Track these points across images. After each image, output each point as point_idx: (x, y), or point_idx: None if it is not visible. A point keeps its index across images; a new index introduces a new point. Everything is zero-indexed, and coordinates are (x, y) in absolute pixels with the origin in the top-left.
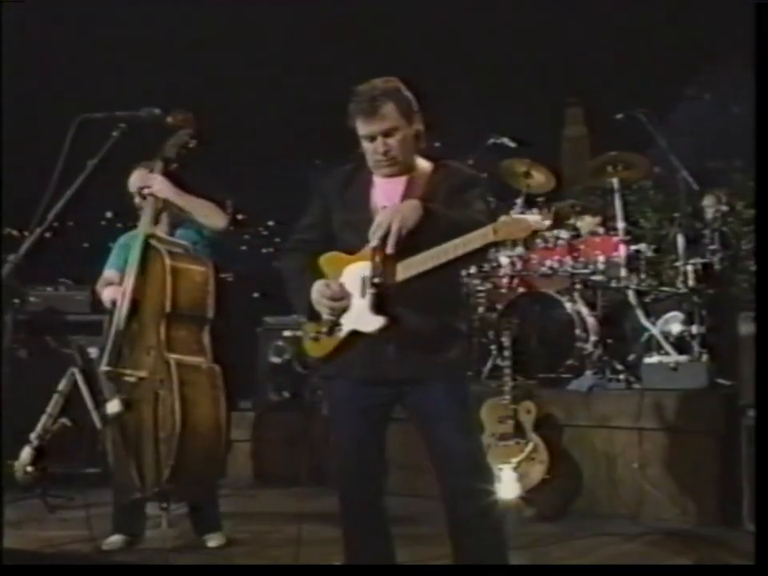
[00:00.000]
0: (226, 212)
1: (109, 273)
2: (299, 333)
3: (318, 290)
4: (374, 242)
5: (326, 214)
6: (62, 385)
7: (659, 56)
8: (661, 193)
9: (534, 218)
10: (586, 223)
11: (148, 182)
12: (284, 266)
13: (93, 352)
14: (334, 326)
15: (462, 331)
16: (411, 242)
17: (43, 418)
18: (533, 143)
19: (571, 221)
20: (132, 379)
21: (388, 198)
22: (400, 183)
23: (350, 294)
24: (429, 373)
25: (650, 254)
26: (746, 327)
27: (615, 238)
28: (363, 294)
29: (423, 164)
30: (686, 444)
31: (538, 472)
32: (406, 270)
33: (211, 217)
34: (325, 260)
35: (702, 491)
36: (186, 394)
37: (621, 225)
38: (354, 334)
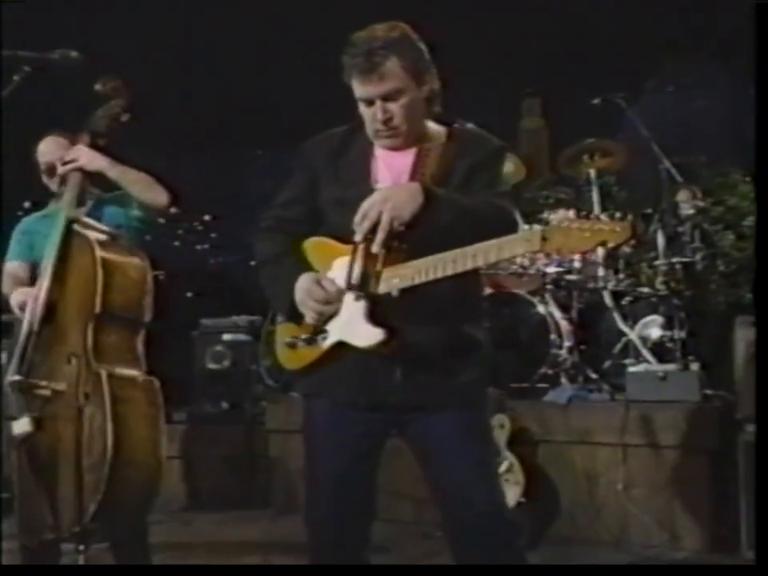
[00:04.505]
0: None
1: (13, 266)
2: (241, 336)
3: (306, 287)
4: (357, 235)
5: (311, 187)
6: None
7: (621, 47)
8: (624, 189)
9: (603, 226)
10: (559, 217)
11: (72, 155)
12: (258, 249)
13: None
14: (317, 333)
15: (482, 342)
16: (410, 238)
17: None
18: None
19: (544, 214)
20: (46, 392)
21: (393, 176)
22: (408, 156)
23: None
24: (438, 398)
25: (628, 251)
26: (743, 333)
27: None
28: (358, 297)
29: (436, 130)
30: (676, 462)
31: (513, 495)
32: (391, 280)
33: (151, 191)
34: (311, 246)
35: (694, 514)
36: (119, 413)
37: None
38: (342, 345)
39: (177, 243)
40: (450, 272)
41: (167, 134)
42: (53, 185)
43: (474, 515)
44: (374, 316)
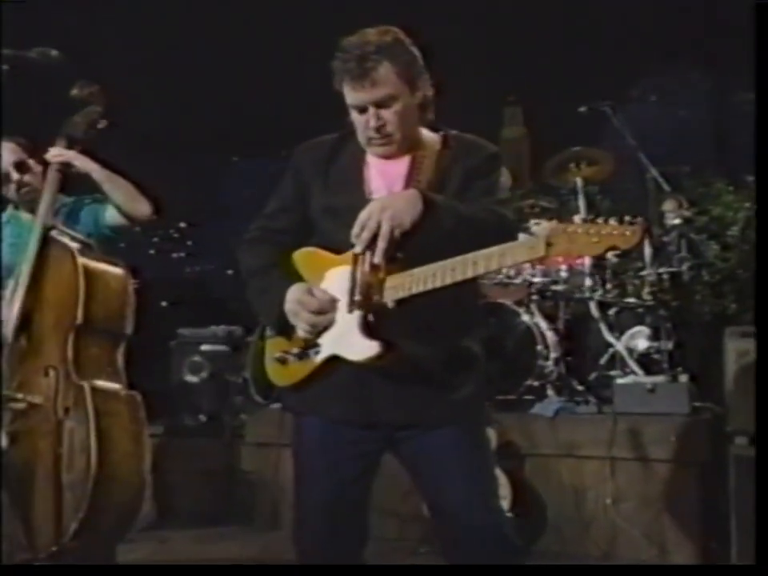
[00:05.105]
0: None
1: None
2: (220, 347)
3: (298, 299)
4: (357, 247)
5: (301, 195)
6: None
7: (604, 55)
8: (608, 198)
9: (612, 230)
10: (542, 228)
11: (63, 154)
12: (245, 261)
13: None
14: (310, 347)
15: (479, 355)
16: (409, 247)
17: None
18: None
19: (529, 224)
20: (21, 406)
21: (387, 183)
22: (402, 163)
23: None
24: (436, 415)
25: (614, 261)
26: (733, 344)
27: None
28: (351, 309)
29: (429, 137)
30: (665, 475)
31: None
32: (396, 289)
33: (135, 200)
34: (301, 257)
35: (683, 528)
36: (103, 428)
37: None
38: (335, 359)
39: (152, 251)
40: (449, 281)
41: (142, 140)
42: (8, 191)
43: (473, 532)
44: (369, 328)
